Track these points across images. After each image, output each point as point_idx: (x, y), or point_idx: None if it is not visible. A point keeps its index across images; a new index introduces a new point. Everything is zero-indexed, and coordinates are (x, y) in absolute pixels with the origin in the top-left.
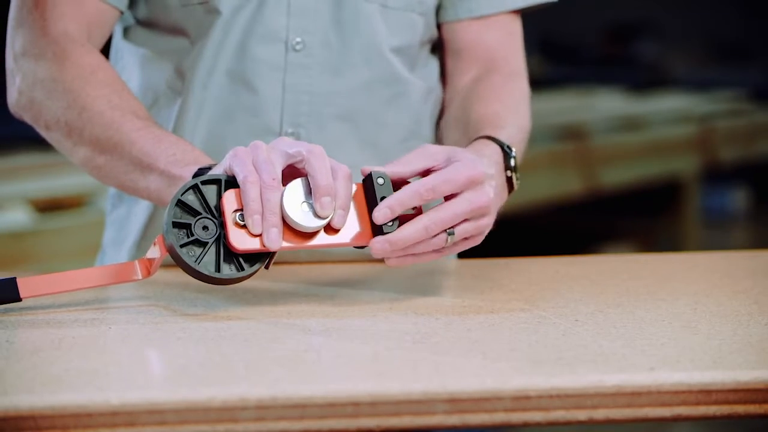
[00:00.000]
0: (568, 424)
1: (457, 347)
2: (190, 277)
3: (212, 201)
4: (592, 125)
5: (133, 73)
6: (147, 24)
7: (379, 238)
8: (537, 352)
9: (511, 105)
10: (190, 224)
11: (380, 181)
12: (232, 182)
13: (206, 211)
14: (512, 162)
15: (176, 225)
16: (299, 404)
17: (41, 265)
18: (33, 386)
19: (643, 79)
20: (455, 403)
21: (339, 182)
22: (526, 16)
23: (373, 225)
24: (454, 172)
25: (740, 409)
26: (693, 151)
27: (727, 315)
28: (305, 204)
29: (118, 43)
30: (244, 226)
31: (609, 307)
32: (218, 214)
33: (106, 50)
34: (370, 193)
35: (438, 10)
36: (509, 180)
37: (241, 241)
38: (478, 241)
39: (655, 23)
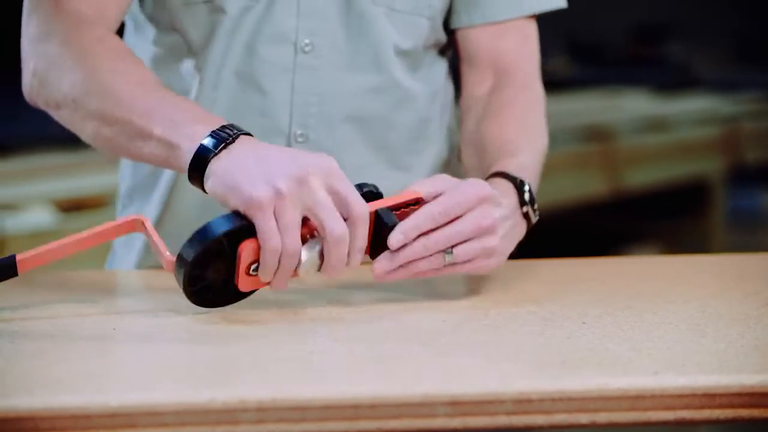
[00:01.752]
0: (570, 427)
1: (461, 349)
2: None
3: (228, 247)
4: (617, 126)
5: None
6: (154, 21)
7: (381, 257)
8: (541, 355)
9: (523, 124)
10: (206, 277)
11: (384, 214)
12: (250, 229)
13: (220, 258)
14: (526, 196)
15: (193, 279)
16: (299, 406)
17: (63, 266)
18: (33, 387)
19: (670, 80)
20: (457, 405)
21: (358, 230)
22: (553, 17)
23: (375, 241)
24: (464, 194)
25: (744, 413)
26: (719, 152)
27: (736, 318)
28: (318, 262)
29: (130, 40)
30: (255, 275)
31: (617, 310)
32: (232, 255)
33: None
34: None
35: (450, 15)
36: (526, 215)
37: (249, 284)
38: (484, 265)
39: (683, 24)
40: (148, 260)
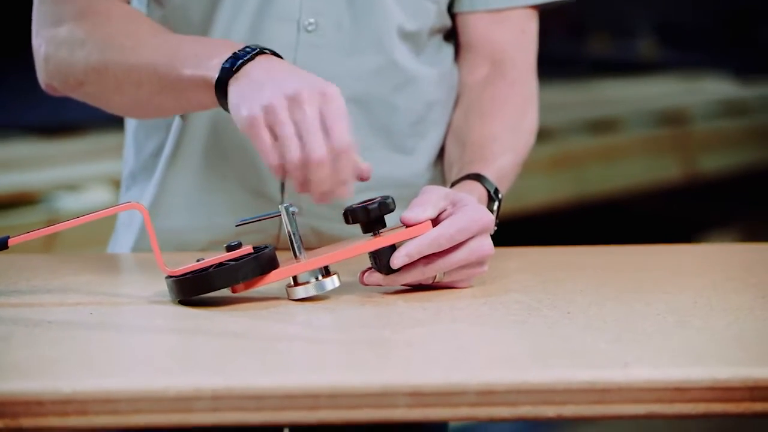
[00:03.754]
0: (535, 419)
1: (435, 338)
2: None
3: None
4: (693, 110)
5: None
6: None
7: (375, 275)
8: (515, 345)
9: (511, 123)
10: None
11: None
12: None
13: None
14: (495, 206)
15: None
16: (255, 395)
17: (61, 247)
18: None
19: (758, 65)
20: (417, 396)
21: (339, 162)
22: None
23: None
24: (468, 222)
25: (717, 407)
26: None
27: (727, 309)
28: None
29: None
30: None
31: (606, 300)
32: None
33: None
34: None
35: (453, 0)
36: None
37: (241, 289)
38: (463, 285)
39: None
40: (145, 242)
